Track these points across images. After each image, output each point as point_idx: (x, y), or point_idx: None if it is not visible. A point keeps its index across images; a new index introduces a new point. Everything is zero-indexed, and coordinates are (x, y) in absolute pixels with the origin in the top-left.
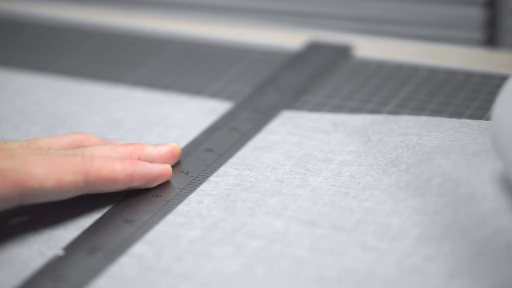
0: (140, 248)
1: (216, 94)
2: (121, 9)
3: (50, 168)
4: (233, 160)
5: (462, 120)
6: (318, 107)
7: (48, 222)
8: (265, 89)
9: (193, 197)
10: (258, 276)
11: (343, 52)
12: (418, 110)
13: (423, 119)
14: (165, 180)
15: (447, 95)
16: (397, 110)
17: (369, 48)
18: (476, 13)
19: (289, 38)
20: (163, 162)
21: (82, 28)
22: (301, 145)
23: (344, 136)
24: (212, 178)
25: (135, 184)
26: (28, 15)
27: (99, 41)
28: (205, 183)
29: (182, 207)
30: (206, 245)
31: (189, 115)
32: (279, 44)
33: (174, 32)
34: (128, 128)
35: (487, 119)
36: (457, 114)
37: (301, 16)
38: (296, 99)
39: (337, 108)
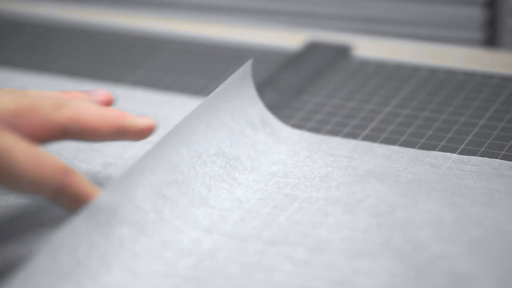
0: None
1: None
2: (121, 9)
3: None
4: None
5: (392, 147)
6: (318, 107)
7: (48, 222)
8: (264, 89)
9: None
10: None
11: (343, 52)
12: (418, 110)
13: (352, 143)
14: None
15: (447, 95)
16: (397, 110)
17: (369, 48)
18: (476, 13)
19: (289, 38)
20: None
21: (82, 28)
22: (229, 146)
23: (273, 145)
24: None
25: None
26: (28, 15)
27: (99, 41)
28: None
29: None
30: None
31: None
32: (278, 44)
33: (174, 32)
34: None
35: (488, 119)
36: (457, 114)
37: (301, 16)
38: (296, 99)
39: (337, 108)
